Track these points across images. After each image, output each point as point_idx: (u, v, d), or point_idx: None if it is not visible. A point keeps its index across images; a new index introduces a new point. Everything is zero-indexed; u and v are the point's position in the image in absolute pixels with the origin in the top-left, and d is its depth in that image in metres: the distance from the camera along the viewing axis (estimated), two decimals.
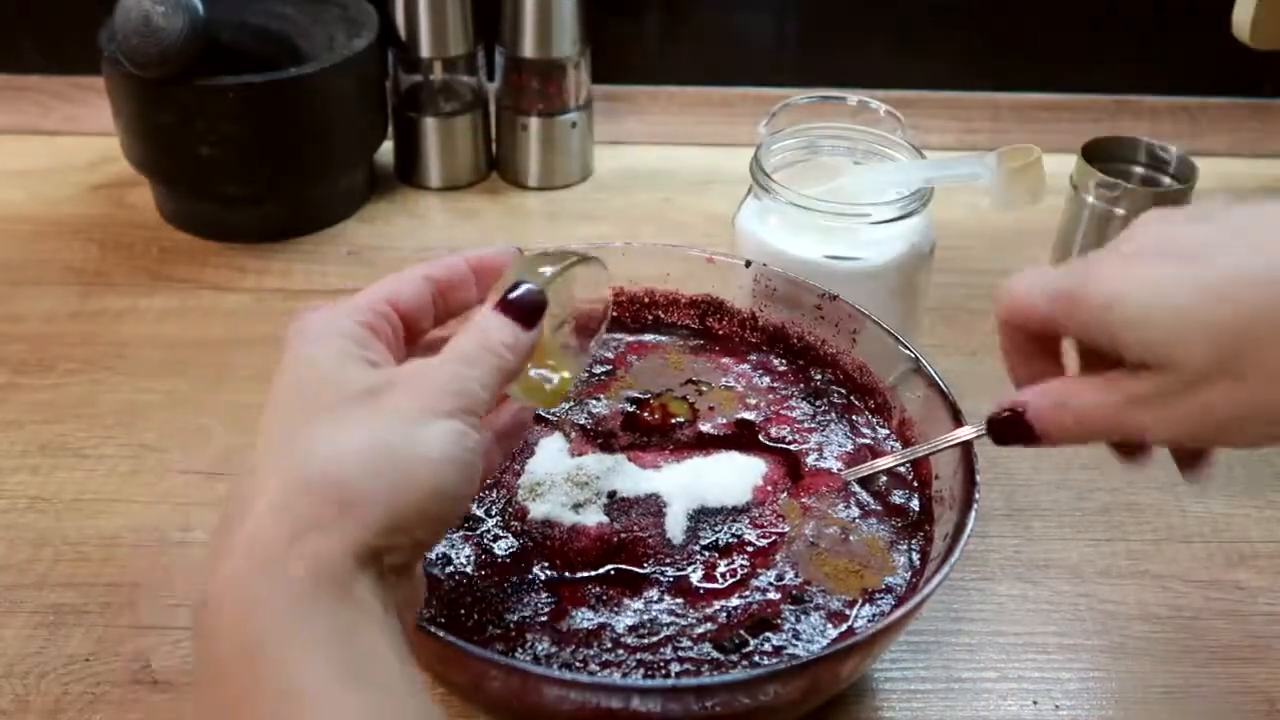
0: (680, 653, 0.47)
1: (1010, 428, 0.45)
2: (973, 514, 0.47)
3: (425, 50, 0.84)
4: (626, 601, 0.48)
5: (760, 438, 0.56)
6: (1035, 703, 0.53)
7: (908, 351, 0.55)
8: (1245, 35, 0.77)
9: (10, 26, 0.93)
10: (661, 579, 0.49)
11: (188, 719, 0.51)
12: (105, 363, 0.71)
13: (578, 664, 0.46)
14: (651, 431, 0.56)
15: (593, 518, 0.52)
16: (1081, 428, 0.43)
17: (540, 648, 0.47)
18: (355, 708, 0.33)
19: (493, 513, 0.52)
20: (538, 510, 0.52)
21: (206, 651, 0.35)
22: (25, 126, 0.92)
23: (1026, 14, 0.92)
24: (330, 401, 0.37)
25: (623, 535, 0.51)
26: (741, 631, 0.47)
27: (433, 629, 0.43)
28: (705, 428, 0.56)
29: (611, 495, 0.53)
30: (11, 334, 0.73)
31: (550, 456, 0.55)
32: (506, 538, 0.51)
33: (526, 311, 0.41)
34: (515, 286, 0.41)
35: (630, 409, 0.58)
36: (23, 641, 0.54)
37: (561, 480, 0.53)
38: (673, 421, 0.57)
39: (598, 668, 0.46)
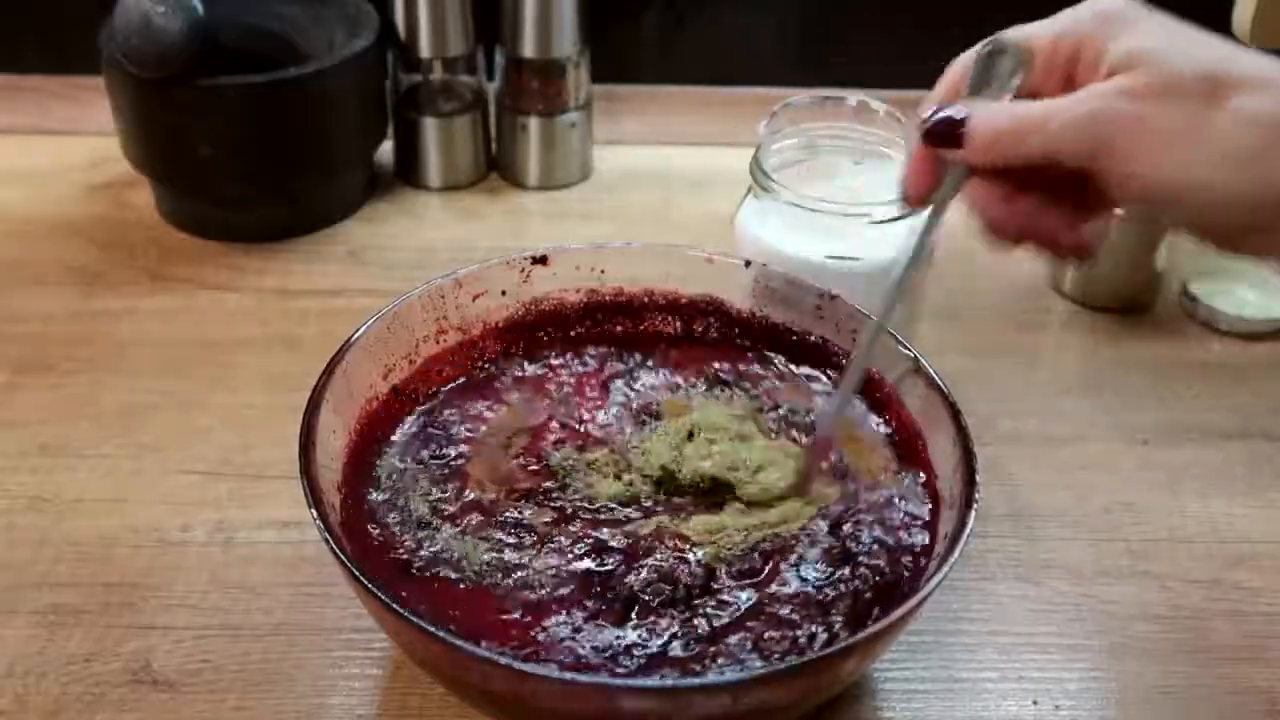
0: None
1: (942, 124, 0.47)
2: (973, 514, 0.47)
3: (425, 50, 0.84)
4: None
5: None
6: (1035, 703, 0.53)
7: (908, 351, 0.55)
8: (1245, 35, 0.77)
9: (10, 26, 0.93)
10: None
11: (188, 719, 0.51)
12: (105, 363, 0.71)
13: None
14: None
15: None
16: (1012, 132, 0.45)
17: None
18: None
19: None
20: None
21: None
22: (25, 126, 0.92)
23: (1027, 14, 0.92)
24: None
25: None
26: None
27: (432, 629, 0.43)
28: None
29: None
30: (11, 334, 0.73)
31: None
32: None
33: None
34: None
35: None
36: (23, 641, 0.54)
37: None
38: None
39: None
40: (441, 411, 0.58)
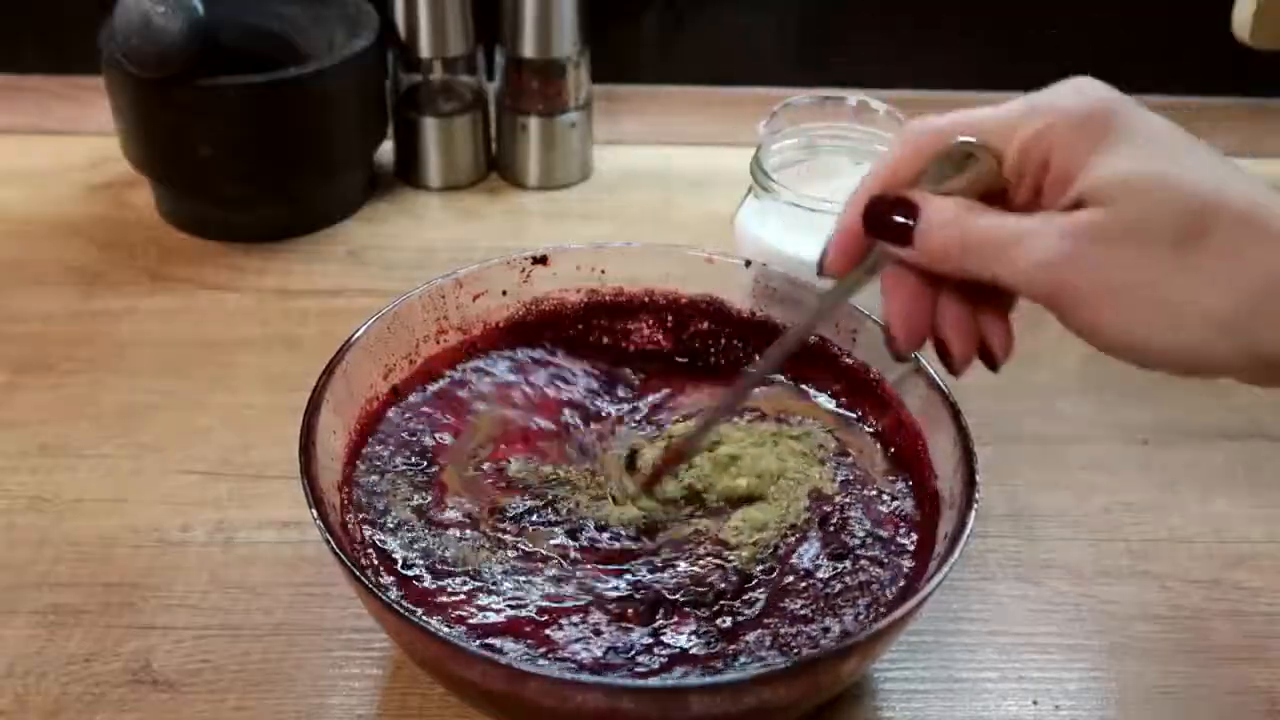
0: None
1: (891, 216, 0.44)
2: (973, 514, 0.47)
3: (425, 50, 0.83)
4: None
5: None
6: (1035, 703, 0.53)
7: None
8: (1245, 35, 0.77)
9: (10, 26, 0.93)
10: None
11: (188, 719, 0.51)
12: (105, 363, 0.71)
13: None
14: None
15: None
16: (968, 253, 0.42)
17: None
18: None
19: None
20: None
21: None
22: (25, 126, 0.92)
23: (1027, 14, 0.92)
24: None
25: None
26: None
27: (433, 629, 0.43)
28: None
29: None
30: (11, 334, 0.73)
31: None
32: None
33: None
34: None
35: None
36: (23, 641, 0.54)
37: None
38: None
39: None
40: (412, 417, 0.57)
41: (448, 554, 0.50)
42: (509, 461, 0.55)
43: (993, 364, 0.46)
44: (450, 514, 0.52)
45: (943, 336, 0.46)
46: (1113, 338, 0.41)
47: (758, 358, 0.54)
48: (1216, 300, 0.39)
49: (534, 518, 0.53)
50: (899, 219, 0.43)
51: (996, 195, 0.43)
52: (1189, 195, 0.39)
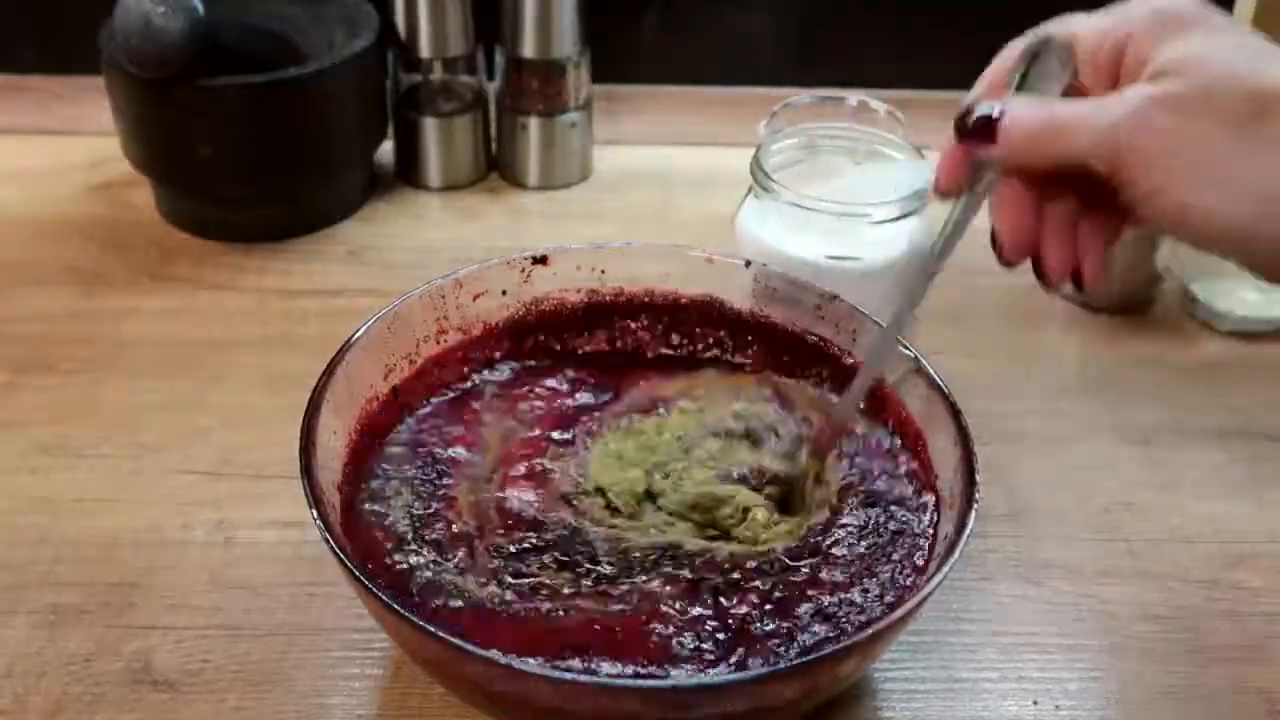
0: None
1: (977, 119, 0.45)
2: (973, 514, 0.47)
3: (425, 50, 0.84)
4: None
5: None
6: (1035, 703, 0.53)
7: (908, 351, 0.55)
8: None
9: (10, 26, 0.94)
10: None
11: (188, 719, 0.51)
12: (105, 363, 0.71)
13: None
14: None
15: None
16: (1044, 133, 0.43)
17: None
18: None
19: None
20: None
21: None
22: (25, 126, 0.92)
23: (1026, 14, 0.92)
24: None
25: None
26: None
27: (431, 627, 0.43)
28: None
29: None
30: (11, 334, 0.73)
31: None
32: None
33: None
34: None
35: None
36: (23, 641, 0.54)
37: None
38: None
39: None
40: (421, 435, 0.57)
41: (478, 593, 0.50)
42: (514, 490, 0.54)
43: (1080, 285, 0.48)
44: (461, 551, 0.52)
45: (1041, 251, 0.47)
46: (1170, 206, 0.41)
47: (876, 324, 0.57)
48: (1274, 178, 0.40)
49: (546, 556, 0.51)
50: (984, 120, 0.45)
51: (1079, 95, 0.45)
52: (1258, 78, 0.40)
